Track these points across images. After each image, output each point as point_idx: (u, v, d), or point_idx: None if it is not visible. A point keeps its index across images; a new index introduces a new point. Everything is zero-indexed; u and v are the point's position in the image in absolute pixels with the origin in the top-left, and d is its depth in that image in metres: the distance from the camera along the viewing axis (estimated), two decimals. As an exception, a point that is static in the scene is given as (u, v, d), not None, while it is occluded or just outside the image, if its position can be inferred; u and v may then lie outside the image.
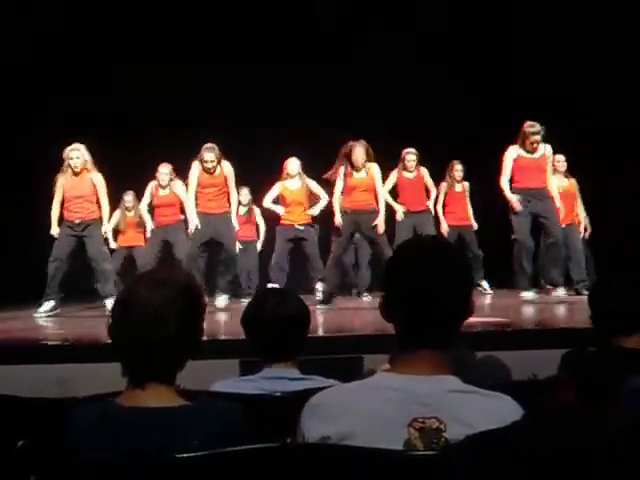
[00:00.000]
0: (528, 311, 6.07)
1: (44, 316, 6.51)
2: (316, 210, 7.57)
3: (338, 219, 6.79)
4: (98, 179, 6.76)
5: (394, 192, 7.84)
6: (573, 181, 7.85)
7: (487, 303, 7.12)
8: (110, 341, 1.73)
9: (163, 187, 7.87)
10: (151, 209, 8.11)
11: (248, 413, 1.69)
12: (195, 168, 6.87)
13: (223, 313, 6.61)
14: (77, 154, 6.67)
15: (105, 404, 1.68)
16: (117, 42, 8.71)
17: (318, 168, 7.33)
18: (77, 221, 6.68)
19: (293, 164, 7.66)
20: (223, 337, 4.93)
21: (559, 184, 7.12)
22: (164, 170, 7.86)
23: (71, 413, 1.66)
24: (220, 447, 1.45)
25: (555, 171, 7.18)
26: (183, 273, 1.79)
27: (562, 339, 4.02)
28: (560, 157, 7.55)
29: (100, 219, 6.81)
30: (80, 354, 4.33)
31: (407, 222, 7.70)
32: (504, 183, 6.44)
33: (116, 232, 8.44)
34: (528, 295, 6.50)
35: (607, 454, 1.33)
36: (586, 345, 2.51)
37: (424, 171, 7.93)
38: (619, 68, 8.53)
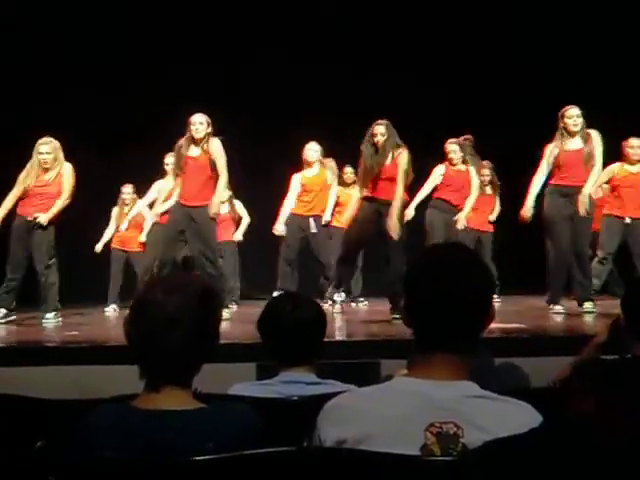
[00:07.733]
0: (547, 318, 6.01)
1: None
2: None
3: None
4: (67, 170, 6.23)
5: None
6: None
7: (505, 309, 7.06)
8: (127, 344, 1.73)
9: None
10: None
11: (264, 416, 1.69)
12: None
13: (237, 317, 6.53)
14: (46, 148, 6.19)
15: (122, 406, 1.69)
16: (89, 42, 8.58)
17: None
18: (29, 218, 6.16)
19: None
20: (240, 341, 4.92)
21: None
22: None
23: (88, 415, 1.67)
24: (235, 450, 1.45)
25: None
26: (199, 277, 1.79)
27: (582, 346, 3.98)
28: None
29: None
30: (98, 356, 4.35)
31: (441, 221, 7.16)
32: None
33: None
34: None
35: (626, 464, 1.32)
36: (603, 353, 2.48)
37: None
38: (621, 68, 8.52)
